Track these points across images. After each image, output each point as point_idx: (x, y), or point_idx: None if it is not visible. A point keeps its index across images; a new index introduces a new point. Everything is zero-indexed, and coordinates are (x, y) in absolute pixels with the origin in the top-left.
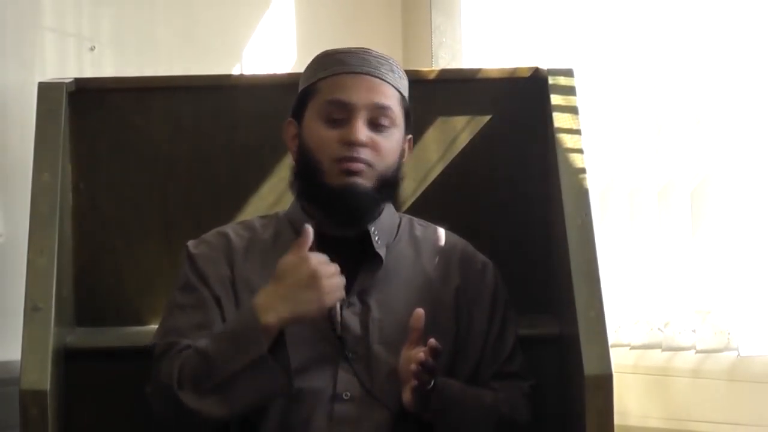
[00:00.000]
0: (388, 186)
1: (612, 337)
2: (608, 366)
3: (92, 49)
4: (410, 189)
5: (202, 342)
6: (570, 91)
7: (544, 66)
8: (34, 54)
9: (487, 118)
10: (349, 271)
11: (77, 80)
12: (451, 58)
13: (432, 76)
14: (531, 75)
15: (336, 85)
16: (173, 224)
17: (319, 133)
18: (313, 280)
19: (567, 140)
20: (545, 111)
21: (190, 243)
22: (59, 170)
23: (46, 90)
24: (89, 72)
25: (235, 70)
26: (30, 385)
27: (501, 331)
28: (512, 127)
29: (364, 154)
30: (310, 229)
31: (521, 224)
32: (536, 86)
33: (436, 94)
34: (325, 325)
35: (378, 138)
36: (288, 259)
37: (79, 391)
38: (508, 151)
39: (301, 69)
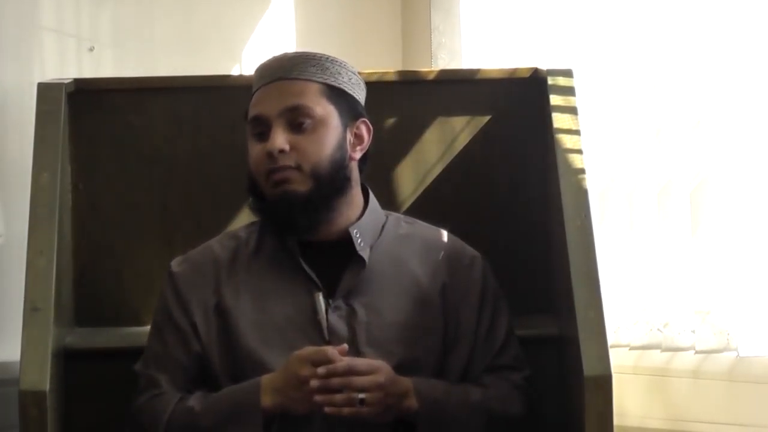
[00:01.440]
0: (331, 180)
1: (611, 337)
2: (608, 366)
3: (91, 49)
4: (410, 189)
5: (197, 402)
6: (569, 91)
7: (543, 66)
8: (33, 54)
9: (487, 118)
10: (334, 274)
11: (76, 80)
12: (451, 58)
13: (431, 77)
14: (530, 75)
15: (254, 101)
16: (173, 224)
17: (251, 152)
18: (300, 383)
19: (566, 141)
20: (544, 111)
21: (174, 261)
22: (58, 170)
23: (45, 90)
24: (88, 72)
25: (235, 70)
26: (30, 385)
27: (490, 325)
28: (512, 127)
29: (287, 160)
30: (344, 348)
31: (520, 224)
32: (536, 87)
33: (436, 95)
34: (314, 331)
35: (299, 139)
36: (296, 353)
37: (79, 391)
38: (507, 152)
39: None
